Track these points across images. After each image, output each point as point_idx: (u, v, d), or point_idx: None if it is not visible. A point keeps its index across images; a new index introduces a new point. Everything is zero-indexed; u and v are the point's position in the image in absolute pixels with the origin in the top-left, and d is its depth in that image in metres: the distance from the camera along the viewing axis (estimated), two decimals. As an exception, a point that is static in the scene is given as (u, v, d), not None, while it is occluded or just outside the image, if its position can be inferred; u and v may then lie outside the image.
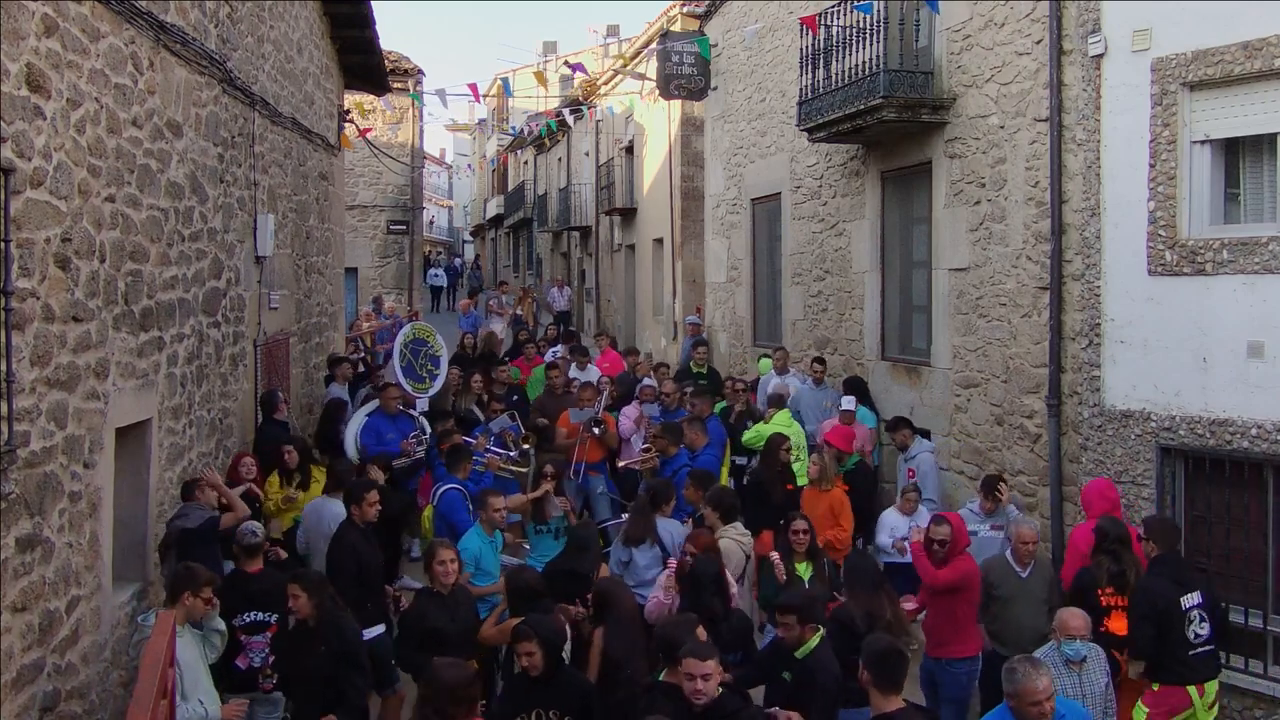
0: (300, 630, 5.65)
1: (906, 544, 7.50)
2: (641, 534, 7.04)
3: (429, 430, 9.54)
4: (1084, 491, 7.29)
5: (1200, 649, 5.92)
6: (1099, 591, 6.27)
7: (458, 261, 43.11)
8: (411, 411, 10.04)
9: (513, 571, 6.23)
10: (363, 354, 14.86)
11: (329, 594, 5.71)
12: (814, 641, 5.19)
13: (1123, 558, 6.28)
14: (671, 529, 7.13)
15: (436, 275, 33.45)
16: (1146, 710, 5.94)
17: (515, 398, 11.19)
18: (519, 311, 20.76)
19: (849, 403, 9.66)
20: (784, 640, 5.23)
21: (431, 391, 10.97)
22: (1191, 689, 5.87)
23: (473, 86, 14.32)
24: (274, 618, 5.96)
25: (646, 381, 10.92)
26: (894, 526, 8.04)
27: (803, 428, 9.92)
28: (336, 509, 7.19)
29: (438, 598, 5.99)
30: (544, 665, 4.86)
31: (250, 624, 5.98)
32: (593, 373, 12.00)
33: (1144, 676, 5.97)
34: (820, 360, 11.00)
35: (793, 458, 9.04)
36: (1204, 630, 5.94)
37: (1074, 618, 5.63)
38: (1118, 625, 6.15)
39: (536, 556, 7.63)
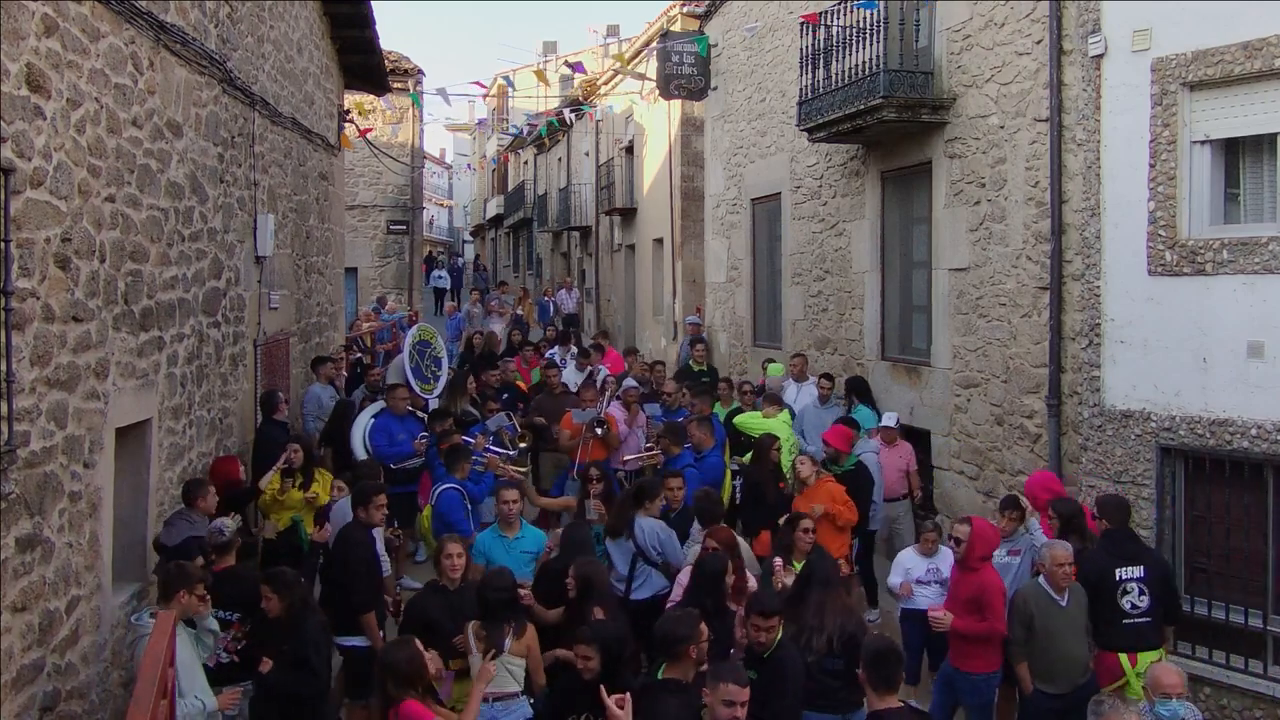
0: (267, 628, 5.66)
1: (914, 585, 7.16)
2: (619, 527, 7.03)
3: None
4: (1028, 484, 7.33)
5: (1136, 619, 6.16)
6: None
7: (459, 262, 42.98)
8: (418, 412, 10.06)
9: (488, 575, 5.90)
10: (359, 354, 14.86)
11: (300, 595, 5.69)
12: (778, 637, 5.20)
13: (1084, 534, 6.57)
14: (652, 527, 7.02)
15: (440, 277, 32.33)
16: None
17: (506, 395, 11.20)
18: (519, 311, 20.76)
19: (890, 419, 9.33)
20: (754, 643, 5.20)
21: (436, 392, 11.00)
22: (1123, 657, 6.11)
23: (479, 83, 14.42)
24: (235, 616, 5.94)
25: (629, 383, 10.87)
26: (909, 568, 7.29)
27: (806, 445, 9.68)
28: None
29: (442, 592, 6.02)
30: (600, 670, 4.85)
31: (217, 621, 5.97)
32: (599, 372, 12.00)
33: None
34: (828, 376, 10.73)
35: (783, 456, 9.02)
36: (1142, 603, 6.18)
37: (1168, 674, 5.20)
38: None
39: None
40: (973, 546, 6.22)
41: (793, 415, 10.02)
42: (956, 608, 6.25)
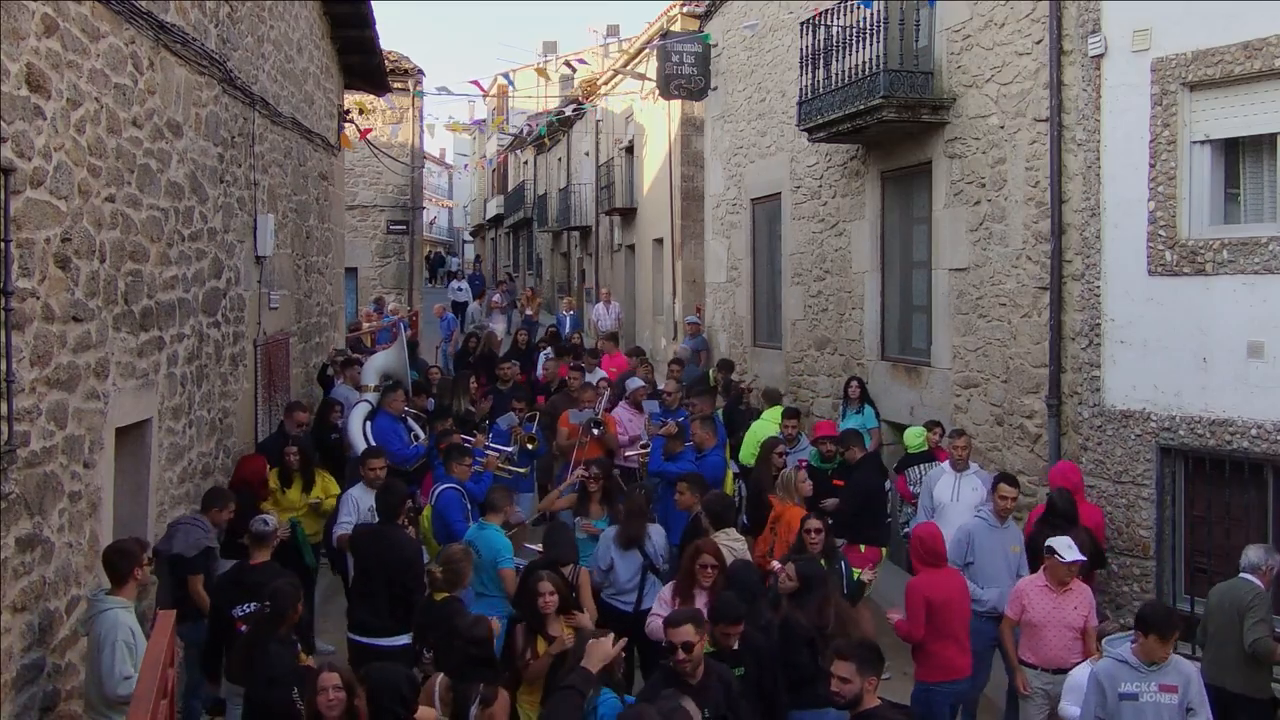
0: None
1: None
2: (639, 535, 6.88)
3: (419, 430, 9.56)
4: (1050, 476, 7.50)
5: (889, 520, 8.67)
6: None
7: (454, 261, 42.50)
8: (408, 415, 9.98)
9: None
10: (359, 356, 14.80)
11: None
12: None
13: (1065, 530, 6.60)
14: (661, 537, 7.01)
15: (460, 289, 27.10)
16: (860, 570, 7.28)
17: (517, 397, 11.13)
18: (529, 311, 20.69)
19: (1066, 548, 6.09)
20: (724, 649, 5.20)
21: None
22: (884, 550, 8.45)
23: (476, 82, 14.39)
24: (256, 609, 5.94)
25: (635, 381, 10.84)
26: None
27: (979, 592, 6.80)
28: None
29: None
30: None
31: (248, 615, 5.95)
32: (596, 375, 11.97)
33: (851, 543, 7.87)
34: (1011, 484, 7.06)
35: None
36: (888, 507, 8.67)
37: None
38: None
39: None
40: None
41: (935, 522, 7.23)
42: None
